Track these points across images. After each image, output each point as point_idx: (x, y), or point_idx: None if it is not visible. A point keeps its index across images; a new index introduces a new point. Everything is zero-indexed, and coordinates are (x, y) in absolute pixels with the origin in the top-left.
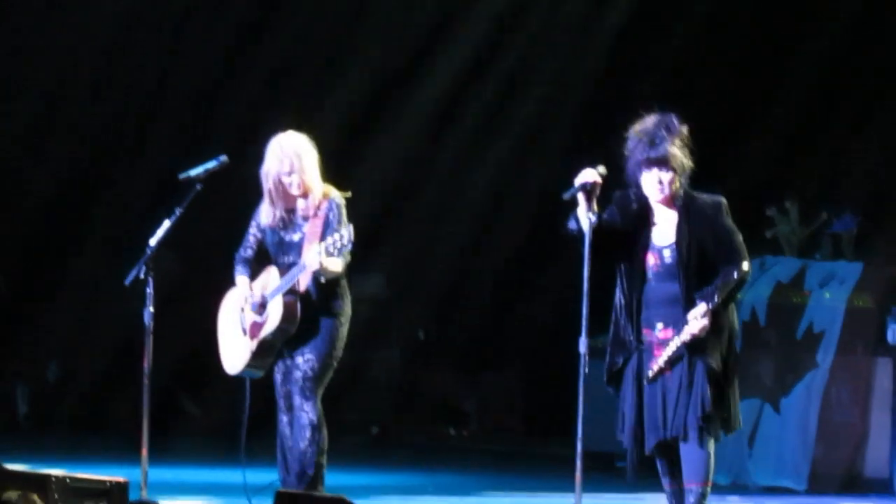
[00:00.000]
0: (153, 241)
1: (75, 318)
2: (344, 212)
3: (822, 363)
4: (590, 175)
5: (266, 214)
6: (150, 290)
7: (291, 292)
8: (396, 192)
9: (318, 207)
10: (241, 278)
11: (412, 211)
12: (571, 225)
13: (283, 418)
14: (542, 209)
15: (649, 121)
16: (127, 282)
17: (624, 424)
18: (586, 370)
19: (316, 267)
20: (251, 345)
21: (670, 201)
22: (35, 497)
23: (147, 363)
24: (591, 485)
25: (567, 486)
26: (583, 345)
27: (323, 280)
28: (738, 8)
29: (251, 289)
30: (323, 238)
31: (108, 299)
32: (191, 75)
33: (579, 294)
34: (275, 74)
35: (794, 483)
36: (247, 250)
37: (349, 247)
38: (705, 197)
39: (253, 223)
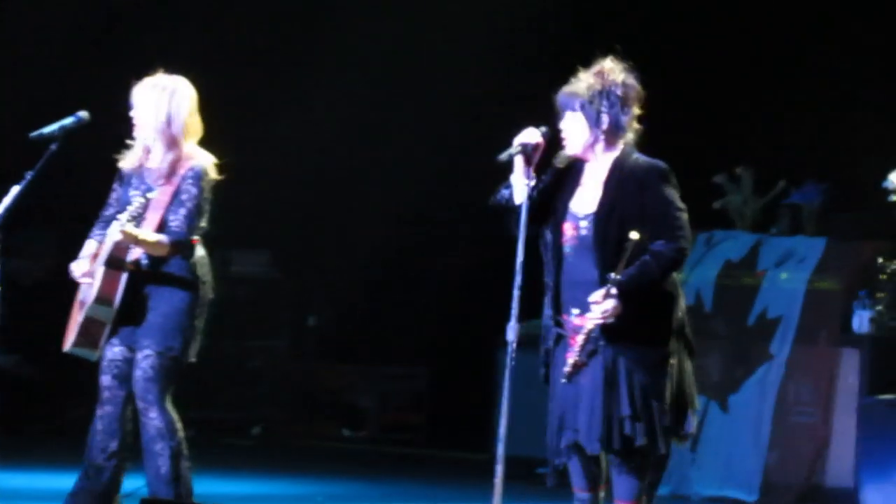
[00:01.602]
0: None
1: None
2: (204, 183)
3: (777, 355)
4: (532, 135)
5: (130, 155)
6: None
7: (116, 263)
8: (287, 158)
9: (173, 171)
10: (87, 243)
11: (304, 177)
12: (503, 193)
13: (97, 411)
14: (455, 179)
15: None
16: None
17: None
18: (513, 361)
19: (118, 238)
20: (79, 320)
21: (595, 159)
22: None
23: None
24: (508, 494)
25: (479, 496)
26: (511, 332)
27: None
28: None
29: (93, 257)
30: (171, 210)
31: None
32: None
33: (500, 276)
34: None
35: (743, 493)
36: (108, 208)
37: (186, 222)
38: (642, 161)
39: (118, 174)
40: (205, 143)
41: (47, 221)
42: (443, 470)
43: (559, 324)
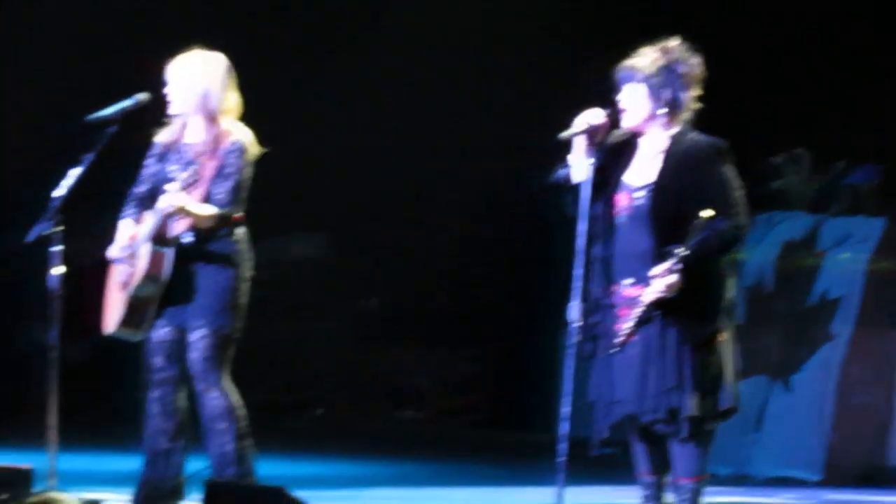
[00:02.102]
0: (59, 193)
1: None
2: (246, 158)
3: (839, 335)
4: (595, 116)
5: (166, 131)
6: (56, 249)
7: (161, 240)
8: (342, 141)
9: (216, 146)
10: (123, 223)
11: (361, 158)
12: (561, 173)
13: (151, 394)
14: (510, 164)
15: None
16: (29, 238)
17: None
18: (575, 340)
19: (169, 209)
20: (124, 300)
21: (651, 135)
22: None
23: (54, 334)
24: (570, 475)
25: (540, 477)
26: (574, 310)
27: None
28: None
29: (131, 236)
30: (215, 183)
31: None
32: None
33: (561, 257)
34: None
35: (806, 473)
36: (140, 185)
37: (231, 195)
38: (701, 138)
39: (153, 147)
40: (260, 127)
41: (103, 201)
42: (503, 451)
43: (609, 294)
